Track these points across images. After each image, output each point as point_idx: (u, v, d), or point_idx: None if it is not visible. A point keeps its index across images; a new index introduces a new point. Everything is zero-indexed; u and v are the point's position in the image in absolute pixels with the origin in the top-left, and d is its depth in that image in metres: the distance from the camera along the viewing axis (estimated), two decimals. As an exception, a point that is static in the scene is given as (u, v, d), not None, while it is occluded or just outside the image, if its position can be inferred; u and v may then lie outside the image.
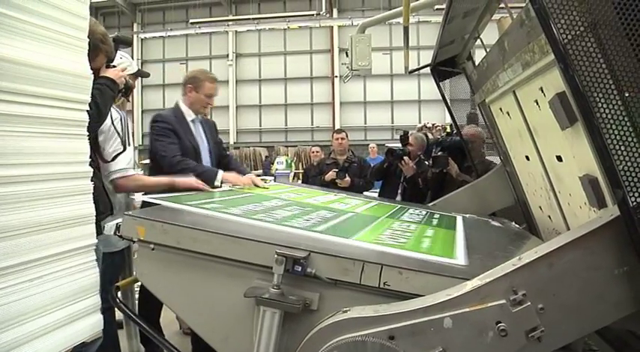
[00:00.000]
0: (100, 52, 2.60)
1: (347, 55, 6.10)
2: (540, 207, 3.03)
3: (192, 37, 26.01)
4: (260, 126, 26.10)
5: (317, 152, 8.08)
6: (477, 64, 3.70)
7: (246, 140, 25.83)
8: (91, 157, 2.53)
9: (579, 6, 1.58)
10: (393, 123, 23.81)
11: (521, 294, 1.57)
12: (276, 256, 1.75)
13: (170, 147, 3.54)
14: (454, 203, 4.09)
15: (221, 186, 3.44)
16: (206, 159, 3.84)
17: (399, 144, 5.43)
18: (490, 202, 3.98)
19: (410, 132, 5.54)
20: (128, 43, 3.06)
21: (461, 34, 3.67)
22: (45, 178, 1.94)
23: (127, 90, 2.94)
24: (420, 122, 18.29)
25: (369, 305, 1.72)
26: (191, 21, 25.38)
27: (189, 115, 3.81)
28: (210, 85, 3.85)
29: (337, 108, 25.10)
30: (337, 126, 23.96)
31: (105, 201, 2.66)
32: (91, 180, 2.36)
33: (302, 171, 14.30)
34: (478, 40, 3.76)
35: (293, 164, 20.97)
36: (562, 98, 1.89)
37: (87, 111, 2.22)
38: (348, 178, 5.86)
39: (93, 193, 2.44)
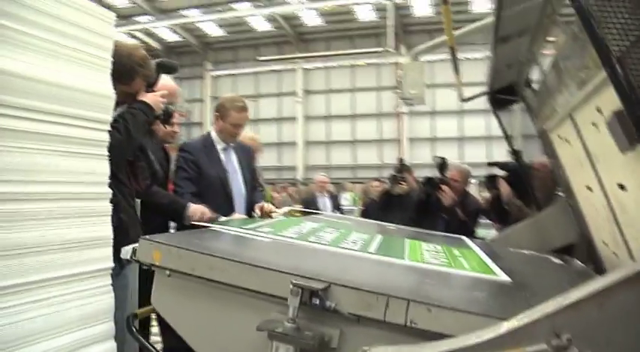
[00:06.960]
0: (136, 75, 2.57)
1: (399, 83, 5.97)
2: (605, 243, 2.76)
3: (262, 74, 26.65)
4: (328, 162, 26.15)
5: (377, 186, 7.92)
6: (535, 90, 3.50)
7: (315, 176, 25.79)
8: (124, 183, 2.49)
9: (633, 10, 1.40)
10: (462, 159, 23.35)
11: (566, 338, 1.35)
12: (291, 287, 1.60)
13: (183, 182, 3.47)
14: (514, 238, 3.87)
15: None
16: (238, 187, 3.72)
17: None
18: (552, 238, 3.68)
19: (456, 165, 5.24)
20: (172, 70, 2.92)
21: (516, 57, 3.49)
22: (61, 197, 1.90)
23: (167, 117, 2.86)
24: (487, 158, 17.98)
25: (393, 344, 1.53)
26: (260, 58, 25.98)
27: (219, 144, 3.71)
28: (236, 115, 3.68)
29: (405, 145, 24.83)
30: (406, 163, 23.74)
31: (137, 230, 2.59)
32: (125, 208, 2.33)
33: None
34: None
35: (358, 200, 20.90)
36: (620, 117, 1.69)
37: (115, 134, 2.19)
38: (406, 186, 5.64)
39: (125, 221, 2.39)
